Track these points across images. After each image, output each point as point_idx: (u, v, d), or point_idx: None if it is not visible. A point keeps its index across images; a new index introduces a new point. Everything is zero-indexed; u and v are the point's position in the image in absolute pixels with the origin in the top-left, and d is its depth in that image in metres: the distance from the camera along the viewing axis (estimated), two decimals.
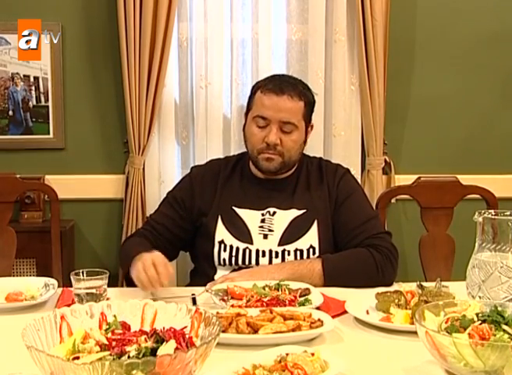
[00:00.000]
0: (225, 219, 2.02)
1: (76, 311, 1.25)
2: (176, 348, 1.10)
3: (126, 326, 1.22)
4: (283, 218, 2.01)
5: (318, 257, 1.94)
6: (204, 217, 2.04)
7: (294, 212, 2.02)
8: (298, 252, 1.96)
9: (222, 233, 2.00)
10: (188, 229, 2.09)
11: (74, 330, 1.20)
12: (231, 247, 1.97)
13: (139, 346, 1.11)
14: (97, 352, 1.10)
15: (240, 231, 2.00)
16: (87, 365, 1.01)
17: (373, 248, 1.93)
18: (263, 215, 2.01)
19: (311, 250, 1.97)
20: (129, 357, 1.08)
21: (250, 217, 2.01)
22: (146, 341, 1.13)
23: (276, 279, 1.77)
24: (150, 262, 1.71)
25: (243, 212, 2.02)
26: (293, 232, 1.99)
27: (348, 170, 2.15)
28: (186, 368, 1.06)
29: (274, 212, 2.02)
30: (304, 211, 2.02)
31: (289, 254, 1.96)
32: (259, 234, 1.98)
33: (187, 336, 1.15)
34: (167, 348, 1.09)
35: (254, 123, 2.02)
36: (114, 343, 1.13)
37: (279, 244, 1.97)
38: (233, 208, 2.03)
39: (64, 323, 1.20)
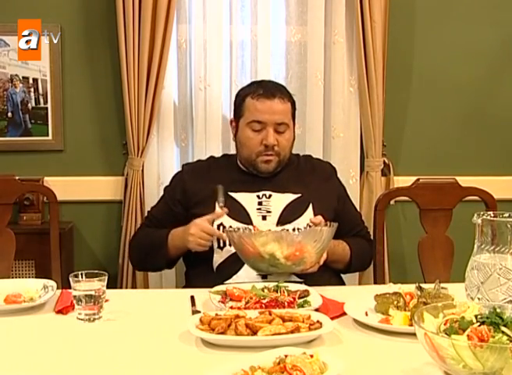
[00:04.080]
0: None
1: None
2: None
3: None
4: (280, 201, 2.08)
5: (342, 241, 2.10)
6: (200, 206, 2.07)
7: (290, 196, 2.09)
8: (297, 231, 1.99)
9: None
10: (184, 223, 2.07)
11: None
12: (230, 228, 1.97)
13: None
14: None
15: (239, 213, 2.04)
16: None
17: (370, 242, 2.27)
18: (259, 197, 2.08)
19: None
20: None
21: (247, 200, 2.07)
22: None
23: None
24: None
25: (239, 196, 2.08)
26: (290, 213, 2.06)
27: None
28: None
29: (270, 195, 2.09)
30: (300, 195, 2.10)
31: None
32: (258, 216, 2.04)
33: None
34: None
35: (248, 129, 2.13)
36: None
37: (278, 224, 2.02)
38: (229, 193, 2.07)
39: None
